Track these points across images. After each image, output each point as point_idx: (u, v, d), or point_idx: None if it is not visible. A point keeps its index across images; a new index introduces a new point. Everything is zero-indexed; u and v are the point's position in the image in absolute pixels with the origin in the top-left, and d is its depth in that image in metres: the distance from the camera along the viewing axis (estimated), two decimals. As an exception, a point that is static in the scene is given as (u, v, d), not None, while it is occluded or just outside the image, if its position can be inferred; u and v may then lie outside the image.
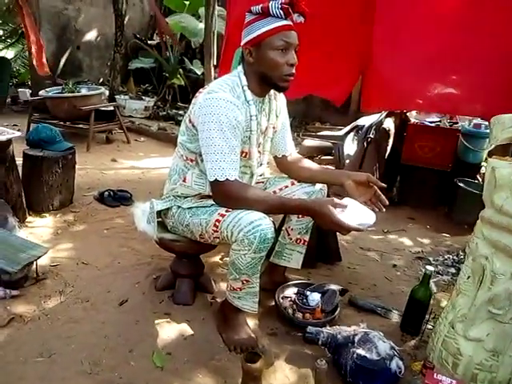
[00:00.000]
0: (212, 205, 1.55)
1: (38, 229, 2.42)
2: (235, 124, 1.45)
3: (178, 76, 5.72)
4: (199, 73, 5.61)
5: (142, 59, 6.33)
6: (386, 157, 3.28)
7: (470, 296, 1.31)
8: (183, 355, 1.55)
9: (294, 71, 1.50)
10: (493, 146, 1.38)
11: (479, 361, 1.29)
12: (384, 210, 1.64)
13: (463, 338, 1.31)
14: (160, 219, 1.73)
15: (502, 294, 1.23)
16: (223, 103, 1.43)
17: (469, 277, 1.33)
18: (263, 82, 1.53)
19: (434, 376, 1.17)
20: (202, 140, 1.48)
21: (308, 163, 1.83)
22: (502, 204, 1.20)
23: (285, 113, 1.78)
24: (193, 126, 1.54)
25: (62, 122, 4.16)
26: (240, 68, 1.56)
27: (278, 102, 1.71)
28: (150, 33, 6.67)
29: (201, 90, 1.58)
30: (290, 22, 1.47)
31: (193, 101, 1.57)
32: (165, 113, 5.47)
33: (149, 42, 6.31)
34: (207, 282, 1.94)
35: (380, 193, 1.65)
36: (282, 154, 1.81)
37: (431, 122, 3.10)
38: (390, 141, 3.19)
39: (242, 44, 1.52)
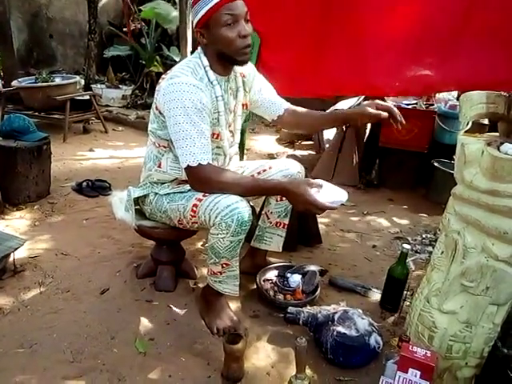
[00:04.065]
0: (189, 190, 1.55)
1: (15, 221, 2.38)
2: (201, 107, 1.44)
3: (156, 63, 5.62)
4: (177, 59, 5.52)
5: (117, 47, 6.18)
6: (364, 140, 3.32)
7: (443, 270, 1.34)
8: (166, 340, 1.56)
9: (248, 42, 1.46)
10: (469, 126, 1.41)
11: (454, 332, 1.33)
12: (402, 121, 1.59)
13: (438, 311, 1.35)
14: (138, 207, 1.72)
15: (473, 267, 1.26)
16: (186, 87, 1.42)
17: (442, 252, 1.36)
18: (222, 60, 1.51)
19: (410, 348, 1.20)
20: (169, 127, 1.46)
21: (309, 113, 1.79)
22: (472, 179, 1.23)
23: (260, 80, 1.75)
24: (160, 113, 1.52)
25: (36, 113, 4.06)
26: (200, 49, 1.53)
27: (248, 76, 1.68)
28: (125, 19, 6.51)
29: (163, 75, 1.55)
30: None
31: (157, 87, 1.54)
32: (143, 101, 5.38)
33: (124, 28, 6.16)
34: (189, 268, 1.94)
35: (392, 112, 1.60)
36: (277, 115, 1.78)
37: (408, 105, 3.13)
38: (368, 124, 3.22)
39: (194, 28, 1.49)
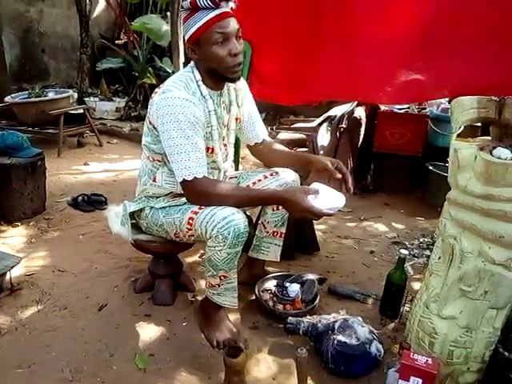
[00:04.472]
0: (185, 203, 1.54)
1: (11, 238, 2.36)
2: (194, 121, 1.44)
3: (149, 75, 5.63)
4: (170, 70, 5.54)
5: (110, 59, 6.20)
6: (358, 145, 3.33)
7: (441, 276, 1.35)
8: (166, 355, 1.55)
9: (239, 60, 1.46)
10: (460, 130, 1.42)
11: (454, 338, 1.32)
12: (351, 190, 1.64)
13: (437, 316, 1.35)
14: (134, 221, 1.71)
15: (471, 272, 1.26)
16: (178, 101, 1.42)
17: (439, 257, 1.37)
18: (214, 76, 1.51)
19: (410, 356, 1.20)
20: (163, 141, 1.46)
21: (279, 148, 1.82)
22: (466, 184, 1.24)
23: (249, 100, 1.75)
24: (153, 127, 1.52)
25: (30, 128, 4.04)
26: (193, 63, 1.54)
27: (239, 91, 1.69)
28: (117, 32, 6.53)
29: (156, 89, 1.55)
30: (222, 10, 1.41)
31: (150, 101, 1.54)
32: (137, 113, 5.38)
33: (116, 41, 6.19)
34: (187, 280, 1.93)
35: (341, 178, 1.64)
36: (255, 142, 1.79)
37: (400, 109, 3.15)
38: (362, 129, 3.24)
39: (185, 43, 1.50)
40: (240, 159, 2.92)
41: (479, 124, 2.66)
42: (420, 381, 1.16)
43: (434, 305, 1.36)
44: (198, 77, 1.51)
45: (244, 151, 3.99)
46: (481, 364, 1.34)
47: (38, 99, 4.13)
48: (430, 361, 1.19)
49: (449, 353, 1.33)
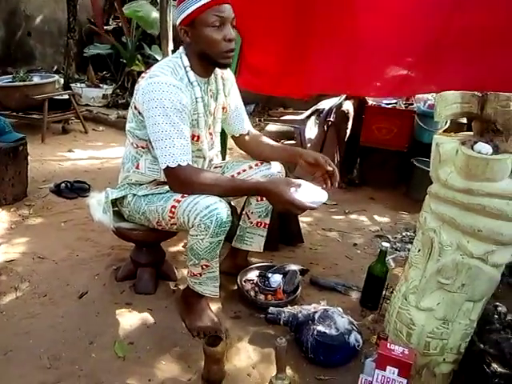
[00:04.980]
0: (167, 191, 1.53)
1: (-9, 224, 2.33)
2: (180, 107, 1.43)
3: (137, 62, 5.55)
4: (159, 58, 5.46)
5: (97, 45, 6.09)
6: (345, 139, 3.34)
7: (420, 268, 1.36)
8: (146, 344, 1.54)
9: (232, 46, 1.46)
10: (447, 125, 1.43)
11: (431, 329, 1.34)
12: (336, 185, 1.65)
13: (415, 308, 1.36)
14: (116, 208, 1.69)
15: (449, 265, 1.28)
16: (165, 87, 1.40)
17: (419, 250, 1.38)
18: (204, 60, 1.50)
19: (387, 346, 1.22)
20: (148, 127, 1.45)
21: (266, 141, 1.82)
22: (447, 178, 1.25)
23: (236, 91, 1.75)
24: (139, 112, 1.50)
25: (14, 113, 3.96)
26: (182, 48, 1.52)
27: (227, 81, 1.69)
28: (106, 18, 6.41)
29: (143, 74, 1.54)
30: None
31: (136, 86, 1.52)
32: (124, 100, 5.30)
33: (104, 27, 6.08)
34: (169, 269, 1.92)
35: (332, 171, 1.64)
36: (240, 133, 1.79)
37: (387, 104, 3.16)
38: (350, 123, 3.24)
39: (177, 25, 1.48)
40: (228, 150, 2.91)
41: (465, 121, 2.71)
42: (396, 370, 1.18)
43: (412, 296, 1.37)
44: (187, 63, 1.50)
45: (231, 142, 3.99)
46: (456, 355, 1.36)
47: (22, 83, 4.04)
48: (406, 351, 1.20)
49: (425, 344, 1.35)
